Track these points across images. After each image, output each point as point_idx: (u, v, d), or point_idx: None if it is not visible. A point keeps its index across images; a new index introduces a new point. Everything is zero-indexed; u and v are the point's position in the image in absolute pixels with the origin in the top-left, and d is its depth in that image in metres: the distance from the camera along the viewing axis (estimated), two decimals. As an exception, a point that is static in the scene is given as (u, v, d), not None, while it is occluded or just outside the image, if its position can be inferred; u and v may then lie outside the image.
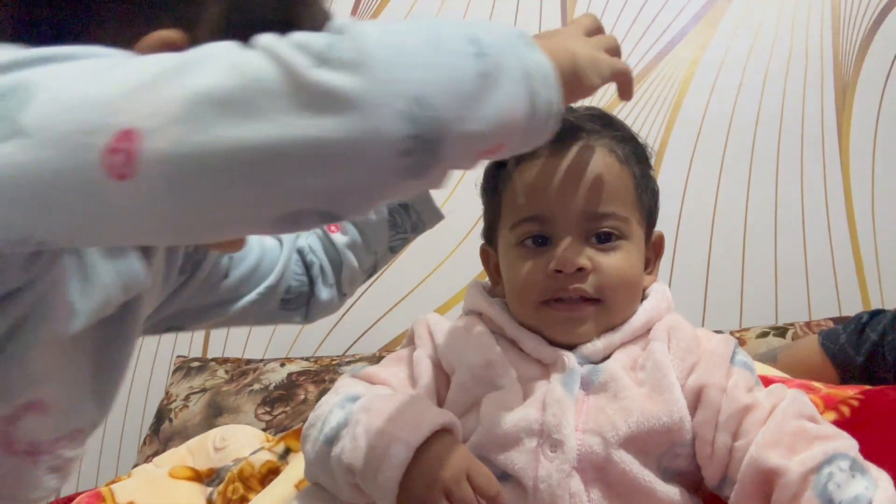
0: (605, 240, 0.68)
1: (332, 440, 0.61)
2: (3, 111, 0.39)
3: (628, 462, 0.61)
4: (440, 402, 0.69)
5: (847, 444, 0.59)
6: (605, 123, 0.71)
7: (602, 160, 0.69)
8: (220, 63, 0.39)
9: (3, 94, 0.40)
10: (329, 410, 0.64)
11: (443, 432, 0.60)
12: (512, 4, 1.72)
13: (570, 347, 0.68)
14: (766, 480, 0.59)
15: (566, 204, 0.68)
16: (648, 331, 0.69)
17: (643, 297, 0.71)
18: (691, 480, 0.65)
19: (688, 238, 1.53)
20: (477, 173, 1.68)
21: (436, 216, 0.89)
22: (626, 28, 1.66)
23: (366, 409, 0.61)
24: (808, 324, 1.41)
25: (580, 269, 0.67)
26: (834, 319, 1.40)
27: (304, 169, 0.39)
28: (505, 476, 0.63)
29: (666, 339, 0.67)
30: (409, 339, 0.75)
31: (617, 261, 0.67)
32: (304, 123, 0.38)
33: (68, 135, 0.38)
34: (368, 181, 0.41)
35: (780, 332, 1.39)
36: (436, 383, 0.70)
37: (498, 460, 0.63)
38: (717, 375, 0.64)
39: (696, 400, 0.64)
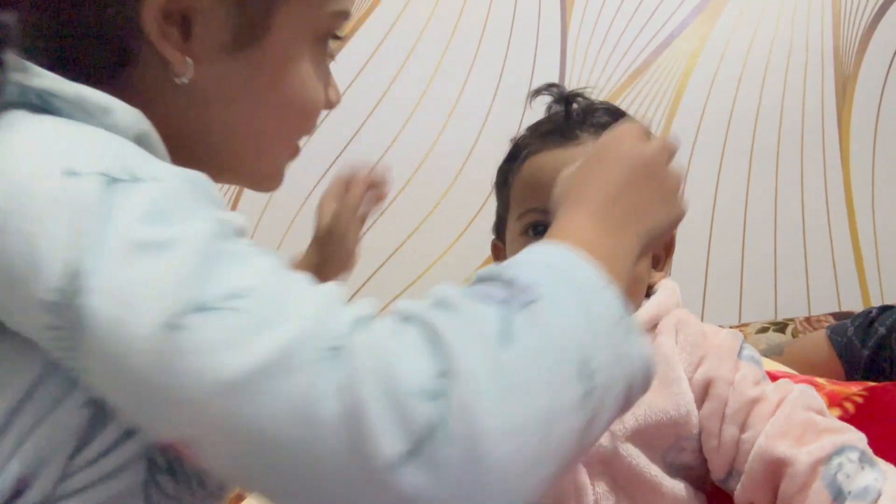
0: None
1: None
2: None
3: (634, 456, 0.61)
4: None
5: (856, 436, 0.59)
6: (618, 119, 0.71)
7: None
8: (289, 405, 0.30)
9: None
10: None
11: None
12: (510, 2, 1.70)
13: None
14: (775, 471, 0.58)
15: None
16: (655, 326, 0.68)
17: (651, 293, 0.70)
18: (696, 475, 0.65)
19: (687, 231, 1.52)
20: (478, 167, 1.66)
21: None
22: (626, 20, 1.65)
23: None
24: (807, 319, 1.40)
25: None
26: (833, 314, 1.40)
27: None
28: None
29: (673, 333, 0.67)
30: None
31: None
32: None
33: None
34: None
35: (780, 327, 1.38)
36: None
37: None
38: (725, 369, 0.64)
39: (703, 393, 0.63)
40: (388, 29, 1.72)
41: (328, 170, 1.71)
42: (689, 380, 0.64)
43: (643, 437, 0.62)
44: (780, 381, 0.65)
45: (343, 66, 1.78)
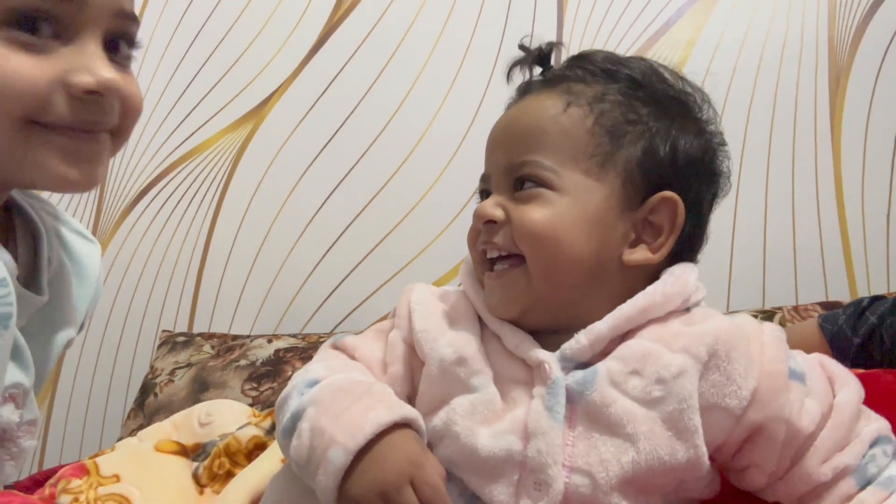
0: (520, 187, 0.59)
1: (289, 432, 0.57)
2: None
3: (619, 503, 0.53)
4: (413, 393, 0.62)
5: (884, 425, 0.58)
6: (608, 70, 0.62)
7: (541, 104, 0.61)
8: None
9: None
10: (290, 393, 0.60)
11: (396, 428, 0.53)
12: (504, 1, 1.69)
13: (556, 342, 0.58)
14: (814, 492, 0.57)
15: (495, 157, 0.62)
16: (664, 318, 0.58)
17: (649, 280, 0.59)
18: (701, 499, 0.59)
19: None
20: (471, 153, 1.65)
21: None
22: (621, 9, 1.65)
23: (315, 401, 0.56)
24: (795, 308, 1.42)
25: (491, 222, 0.59)
26: (821, 304, 1.41)
27: None
28: (474, 499, 0.56)
29: (705, 360, 0.55)
30: (393, 312, 0.67)
31: (531, 210, 0.58)
32: None
33: None
34: None
35: (768, 316, 1.39)
36: (408, 371, 0.62)
37: (472, 484, 0.56)
38: (780, 404, 0.55)
39: (754, 433, 0.56)
40: (379, 16, 1.71)
41: (319, 153, 1.71)
42: (738, 419, 0.55)
43: (635, 485, 0.54)
44: (815, 383, 0.58)
45: (336, 49, 1.78)
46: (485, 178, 0.64)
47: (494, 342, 0.60)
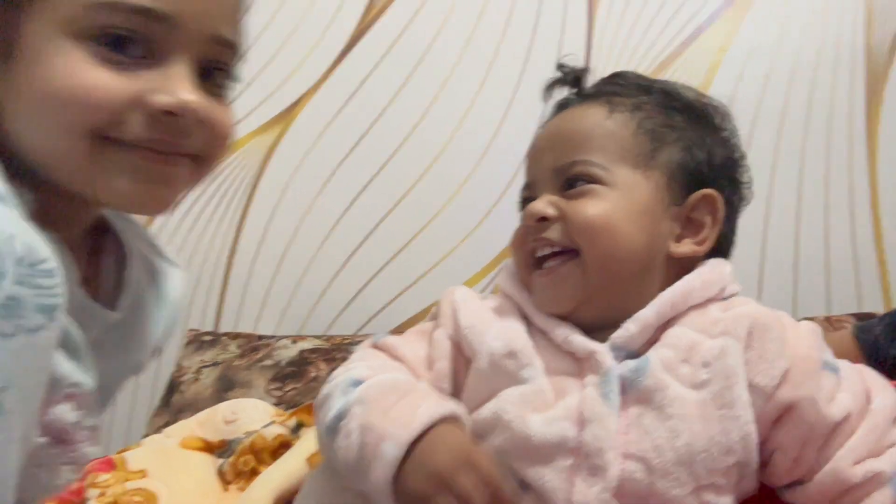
0: (574, 184, 0.62)
1: (333, 431, 0.57)
2: None
3: (673, 490, 0.55)
4: (458, 390, 0.63)
5: None
6: (639, 85, 0.67)
7: (585, 111, 0.65)
8: None
9: None
10: (332, 392, 0.60)
11: (443, 422, 0.54)
12: (535, 2, 1.68)
13: (603, 337, 0.60)
14: (844, 492, 0.56)
15: (541, 162, 0.65)
16: (703, 304, 0.61)
17: (686, 270, 0.63)
18: (743, 491, 0.60)
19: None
20: (498, 159, 1.64)
21: None
22: (653, 13, 1.63)
23: (361, 400, 0.57)
24: (827, 318, 1.39)
25: (543, 219, 0.62)
26: (854, 315, 1.38)
27: None
28: (524, 486, 0.57)
29: (744, 338, 0.58)
30: (433, 314, 0.68)
31: (586, 204, 0.61)
32: None
33: None
34: None
35: (800, 326, 1.37)
36: (453, 368, 0.63)
37: (526, 473, 0.57)
38: (811, 387, 0.57)
39: (783, 413, 0.57)
40: (409, 20, 1.71)
41: (347, 156, 1.71)
42: (769, 397, 0.56)
43: (684, 468, 0.55)
44: (852, 383, 0.59)
45: (364, 55, 1.78)
46: (528, 187, 0.67)
47: (541, 338, 0.62)
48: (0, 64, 0.49)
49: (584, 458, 0.55)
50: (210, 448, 0.91)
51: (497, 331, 0.62)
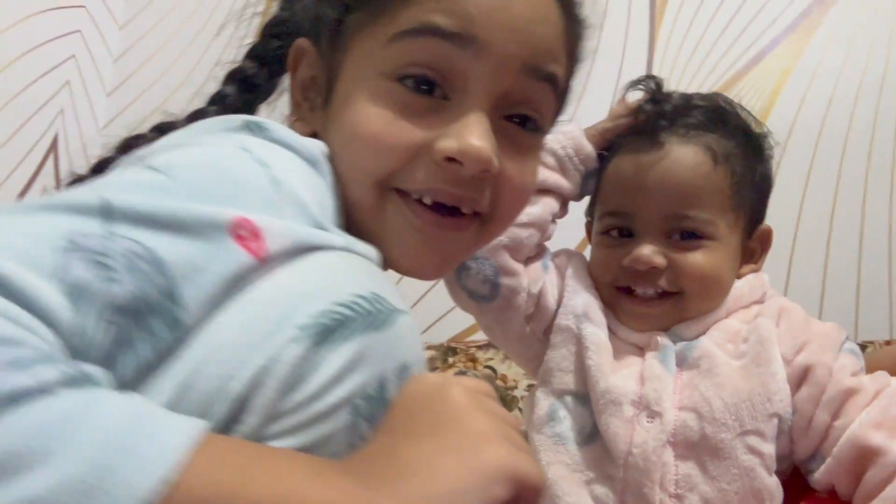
0: (686, 237, 0.70)
1: None
2: None
3: (721, 433, 0.63)
4: (548, 328, 0.73)
5: None
6: (713, 118, 0.72)
7: (693, 160, 0.70)
8: None
9: None
10: None
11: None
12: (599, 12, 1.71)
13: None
14: (864, 458, 0.60)
15: (648, 203, 0.70)
16: (748, 306, 0.71)
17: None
18: (783, 464, 0.66)
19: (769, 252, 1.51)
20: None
21: None
22: (716, 35, 1.65)
23: None
24: (888, 342, 1.38)
25: (653, 268, 0.69)
26: (917, 340, 1.37)
27: None
28: (594, 433, 0.67)
29: (775, 317, 0.69)
30: (552, 254, 0.78)
31: (697, 258, 0.70)
32: None
33: None
34: None
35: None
36: (560, 279, 0.74)
37: (597, 420, 0.67)
38: (827, 356, 0.65)
39: (801, 377, 0.65)
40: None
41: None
42: (790, 362, 0.65)
43: (730, 419, 0.63)
44: (878, 373, 0.66)
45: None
46: (623, 216, 0.73)
47: (609, 334, 0.72)
48: (324, 106, 0.49)
49: (644, 409, 0.65)
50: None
51: (584, 297, 0.72)
